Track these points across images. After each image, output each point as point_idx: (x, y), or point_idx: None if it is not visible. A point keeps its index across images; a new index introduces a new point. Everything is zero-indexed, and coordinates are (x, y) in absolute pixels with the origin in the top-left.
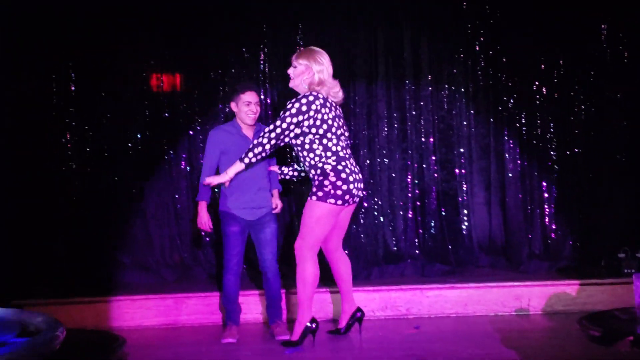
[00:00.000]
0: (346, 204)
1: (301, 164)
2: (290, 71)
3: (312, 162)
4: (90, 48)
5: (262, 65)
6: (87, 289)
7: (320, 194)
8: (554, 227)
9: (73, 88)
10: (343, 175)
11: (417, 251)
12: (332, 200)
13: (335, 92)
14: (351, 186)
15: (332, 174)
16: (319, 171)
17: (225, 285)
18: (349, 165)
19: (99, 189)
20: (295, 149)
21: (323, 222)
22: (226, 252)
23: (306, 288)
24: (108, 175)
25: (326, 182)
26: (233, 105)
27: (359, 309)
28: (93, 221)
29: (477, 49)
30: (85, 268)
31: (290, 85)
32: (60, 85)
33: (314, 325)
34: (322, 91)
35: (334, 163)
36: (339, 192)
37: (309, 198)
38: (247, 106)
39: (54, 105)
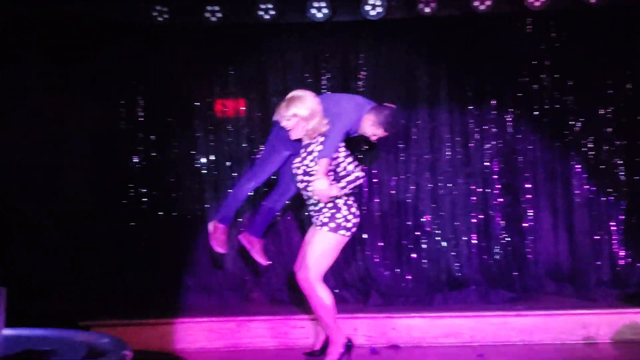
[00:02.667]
0: (350, 236)
1: (305, 198)
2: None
3: None
4: (158, 74)
5: (323, 90)
6: (152, 310)
7: (332, 225)
8: (622, 253)
9: (141, 113)
10: (353, 210)
11: (481, 277)
12: (343, 232)
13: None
14: (358, 219)
15: (344, 207)
16: (330, 204)
17: (239, 187)
18: (352, 199)
19: (164, 211)
20: (304, 184)
21: (334, 253)
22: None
23: (329, 312)
24: (173, 198)
25: (338, 215)
26: None
27: None
28: (159, 243)
29: (543, 72)
30: (150, 289)
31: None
32: (129, 110)
33: (349, 345)
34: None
35: (345, 198)
36: (349, 225)
37: (319, 229)
38: None
39: (123, 130)
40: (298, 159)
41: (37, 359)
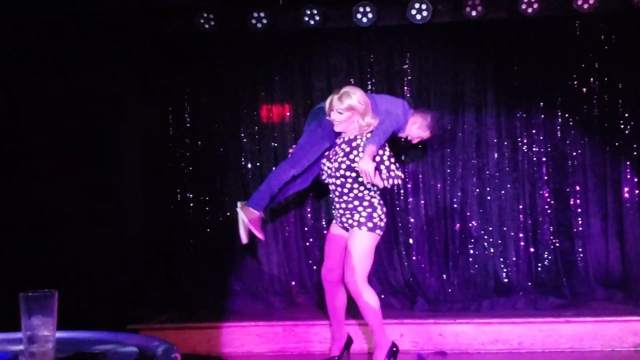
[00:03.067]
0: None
1: (336, 195)
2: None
3: (360, 195)
4: (204, 80)
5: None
6: (199, 314)
7: (370, 224)
8: None
9: (188, 119)
10: (384, 209)
11: (529, 283)
12: (379, 231)
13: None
14: (386, 219)
15: (379, 207)
16: (365, 203)
17: (278, 174)
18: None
19: (211, 217)
20: (342, 180)
21: (373, 253)
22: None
23: (376, 316)
24: (220, 203)
25: (375, 215)
26: None
27: (349, 336)
28: (205, 248)
29: (592, 74)
30: (197, 294)
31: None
32: (176, 116)
33: (394, 349)
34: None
35: (378, 197)
36: (383, 224)
37: (356, 229)
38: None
39: (170, 136)
40: (339, 154)
41: None
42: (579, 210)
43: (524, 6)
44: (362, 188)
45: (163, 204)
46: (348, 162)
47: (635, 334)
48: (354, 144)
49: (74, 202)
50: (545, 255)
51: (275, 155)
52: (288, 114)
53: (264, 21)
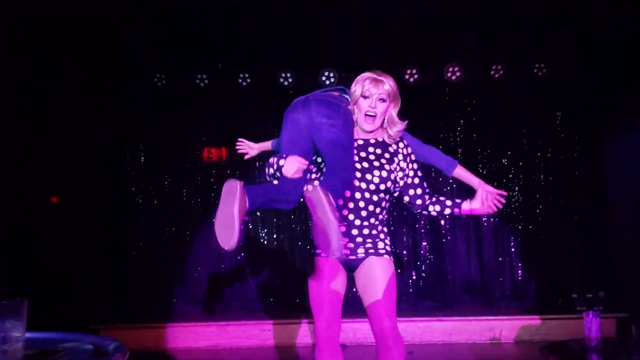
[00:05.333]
0: None
1: (361, 216)
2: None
3: (382, 218)
4: (154, 128)
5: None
6: (149, 316)
7: (389, 252)
8: (520, 272)
9: (142, 159)
10: None
11: (410, 290)
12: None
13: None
14: None
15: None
16: (383, 226)
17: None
18: None
19: (161, 238)
20: (379, 196)
21: None
22: None
23: None
24: (168, 227)
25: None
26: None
27: None
28: (156, 261)
29: (458, 130)
30: (147, 298)
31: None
32: (133, 157)
33: None
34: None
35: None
36: None
37: (386, 257)
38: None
39: (127, 171)
40: (379, 162)
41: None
42: (448, 233)
43: (407, 77)
44: (385, 211)
45: (120, 227)
46: (387, 173)
47: (490, 330)
48: (391, 150)
49: (41, 214)
50: (423, 268)
51: (213, 190)
52: (224, 154)
53: (206, 81)
